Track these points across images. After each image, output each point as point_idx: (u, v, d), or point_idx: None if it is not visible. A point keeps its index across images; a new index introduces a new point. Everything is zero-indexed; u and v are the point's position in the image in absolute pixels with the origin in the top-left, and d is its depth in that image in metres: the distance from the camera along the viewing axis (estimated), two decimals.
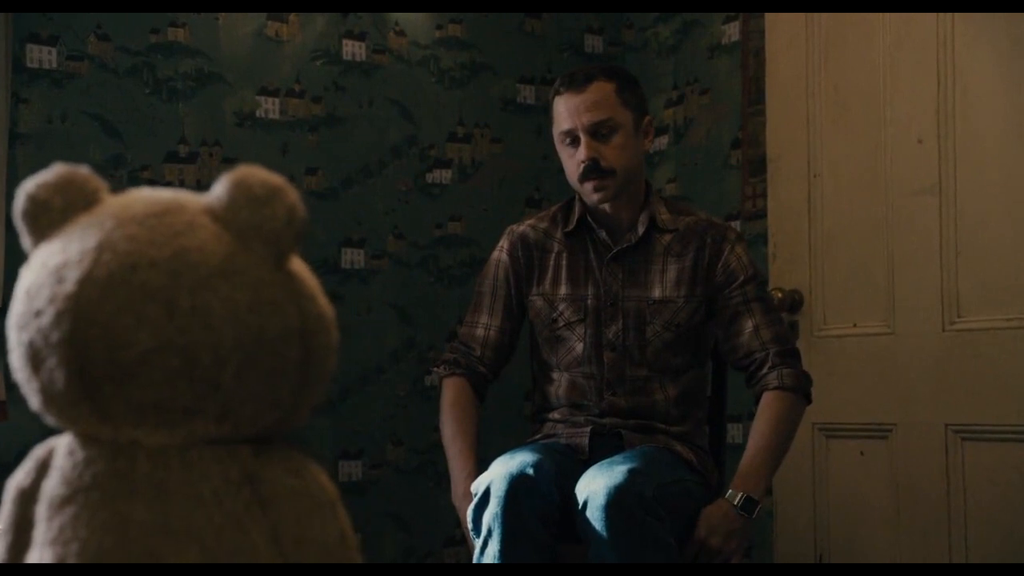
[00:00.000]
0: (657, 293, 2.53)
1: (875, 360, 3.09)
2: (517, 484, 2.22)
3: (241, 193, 0.85)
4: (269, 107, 3.69)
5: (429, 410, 3.58)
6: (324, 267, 3.77)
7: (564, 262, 2.59)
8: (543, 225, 2.65)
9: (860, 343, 3.12)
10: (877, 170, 3.09)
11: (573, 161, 2.52)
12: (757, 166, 3.57)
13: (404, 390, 3.86)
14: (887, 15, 3.09)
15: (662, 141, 4.05)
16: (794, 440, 2.49)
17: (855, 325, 3.14)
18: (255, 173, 0.86)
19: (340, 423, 3.76)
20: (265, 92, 3.69)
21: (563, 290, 2.58)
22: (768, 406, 2.44)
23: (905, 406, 3.02)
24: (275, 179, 0.87)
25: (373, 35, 3.87)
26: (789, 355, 2.48)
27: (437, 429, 2.61)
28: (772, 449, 2.42)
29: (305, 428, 3.68)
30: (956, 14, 2.93)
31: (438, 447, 2.57)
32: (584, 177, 2.49)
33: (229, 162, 3.60)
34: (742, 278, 2.51)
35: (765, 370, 2.47)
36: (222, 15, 3.63)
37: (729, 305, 2.51)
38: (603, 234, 2.58)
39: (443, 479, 2.52)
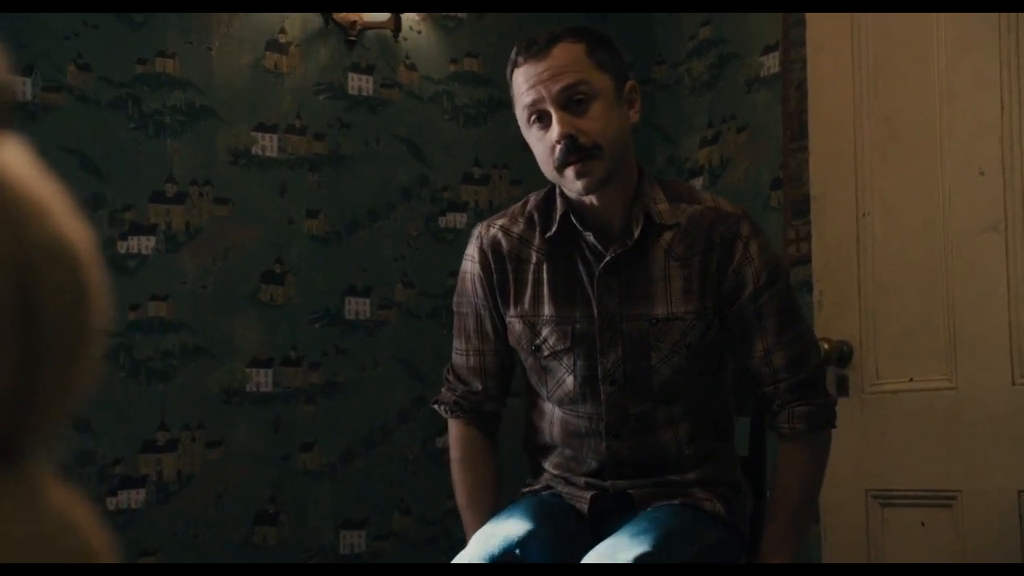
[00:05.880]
0: (661, 310, 2.13)
1: (935, 418, 2.88)
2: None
3: None
4: (266, 144, 3.52)
5: (440, 475, 3.36)
6: (326, 317, 3.58)
7: (545, 276, 2.18)
8: (517, 229, 2.22)
9: (918, 399, 2.92)
10: (934, 207, 2.90)
11: (544, 145, 2.07)
12: (800, 207, 3.40)
13: (413, 453, 3.66)
14: (943, 34, 2.89)
15: (696, 184, 3.87)
16: (824, 495, 2.34)
17: (912, 379, 2.94)
18: None
19: (342, 489, 3.56)
20: (262, 128, 3.52)
21: (546, 311, 2.17)
22: (787, 458, 2.20)
23: (971, 470, 2.81)
24: None
25: (381, 68, 3.68)
26: (802, 386, 2.16)
27: (450, 496, 2.36)
28: (801, 507, 2.22)
29: (301, 494, 3.48)
30: (1021, 29, 2.74)
31: (451, 516, 2.36)
32: (563, 162, 2.05)
33: (222, 202, 3.41)
34: (752, 287, 2.14)
35: (775, 408, 2.17)
36: (216, 46, 3.46)
37: (741, 319, 2.15)
38: (591, 237, 2.14)
39: (457, 551, 2.24)
